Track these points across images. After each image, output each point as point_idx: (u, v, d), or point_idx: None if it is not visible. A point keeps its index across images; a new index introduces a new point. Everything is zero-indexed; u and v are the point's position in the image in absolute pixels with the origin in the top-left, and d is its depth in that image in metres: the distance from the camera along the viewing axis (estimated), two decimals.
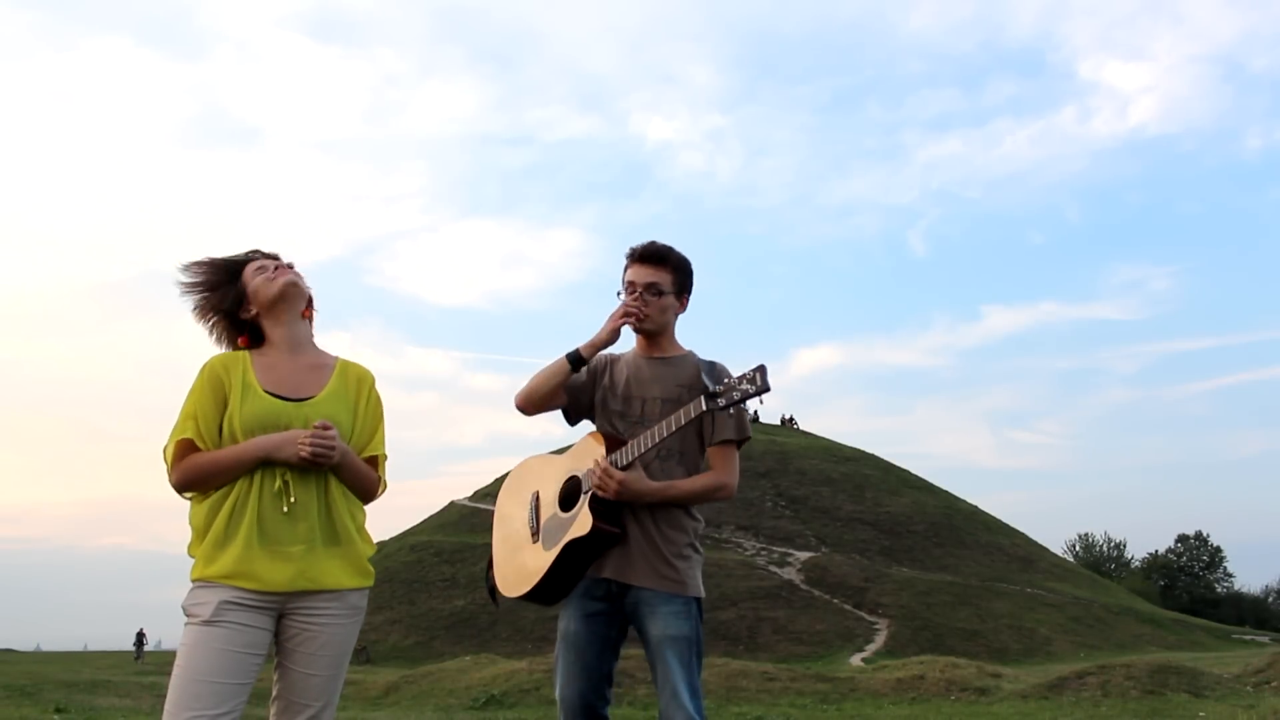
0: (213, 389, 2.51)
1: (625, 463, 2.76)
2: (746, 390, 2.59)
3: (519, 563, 2.93)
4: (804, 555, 37.75)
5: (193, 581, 2.45)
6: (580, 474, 2.88)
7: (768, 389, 2.57)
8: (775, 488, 44.18)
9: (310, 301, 2.69)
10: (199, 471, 2.44)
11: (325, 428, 2.46)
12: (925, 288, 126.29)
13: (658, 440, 2.76)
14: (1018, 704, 11.16)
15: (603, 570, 2.81)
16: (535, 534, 2.92)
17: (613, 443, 2.85)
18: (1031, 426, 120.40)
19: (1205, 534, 69.18)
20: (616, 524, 2.79)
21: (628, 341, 3.04)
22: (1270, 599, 67.48)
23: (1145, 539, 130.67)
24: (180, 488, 2.47)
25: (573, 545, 2.77)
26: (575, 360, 2.91)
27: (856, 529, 41.21)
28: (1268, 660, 12.59)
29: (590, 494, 2.79)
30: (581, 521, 2.77)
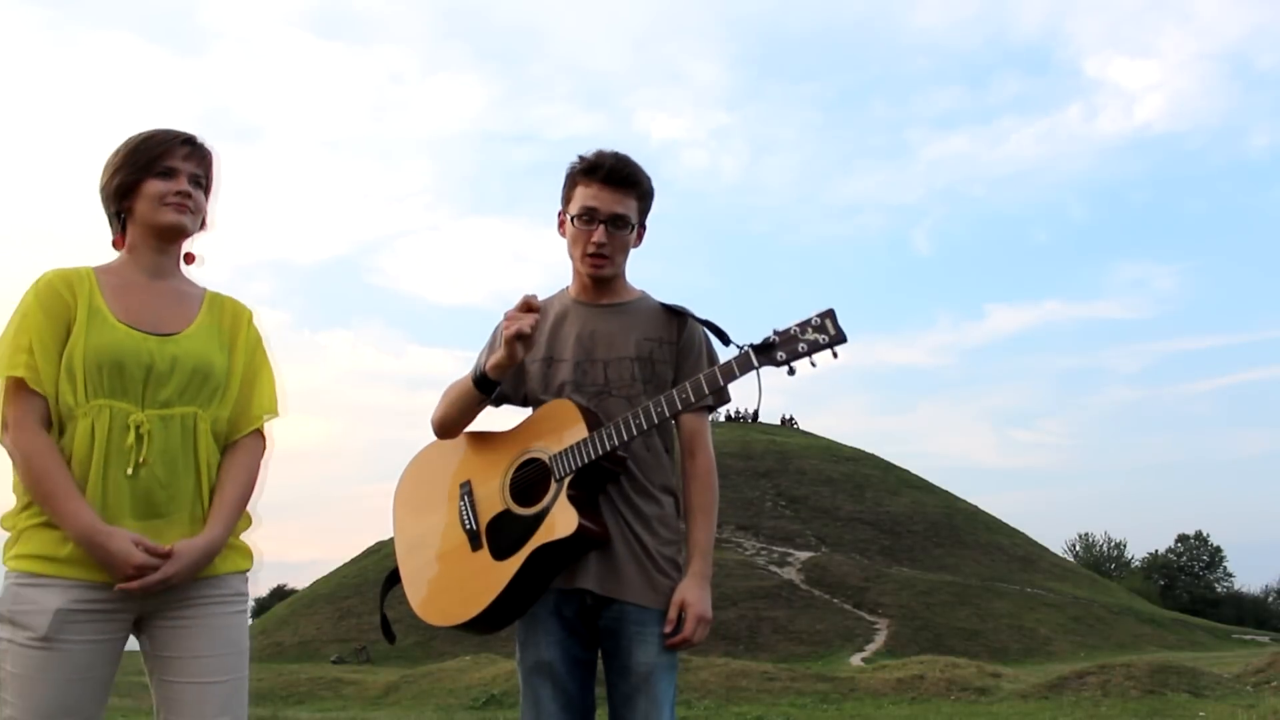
0: (53, 312, 1.95)
1: (613, 444, 2.15)
2: (816, 340, 2.02)
3: (453, 578, 2.24)
4: (804, 555, 37.70)
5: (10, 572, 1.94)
6: (547, 454, 2.21)
7: (844, 339, 2.02)
8: (775, 488, 44.15)
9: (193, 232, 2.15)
10: (32, 481, 1.90)
11: (158, 561, 1.88)
12: (929, 286, 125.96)
13: (662, 414, 2.14)
14: (1018, 704, 11.16)
15: (579, 580, 2.20)
16: (475, 538, 2.23)
17: (591, 419, 2.20)
18: (1034, 426, 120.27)
19: (1205, 534, 69.14)
20: (602, 523, 2.20)
21: (556, 282, 2.39)
22: (1270, 599, 67.39)
23: (1145, 539, 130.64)
24: (13, 457, 1.94)
25: (544, 551, 2.13)
26: (484, 384, 2.26)
27: (856, 529, 41.17)
28: (1268, 660, 12.58)
29: (569, 480, 2.15)
30: (560, 519, 2.13)
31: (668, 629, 2.19)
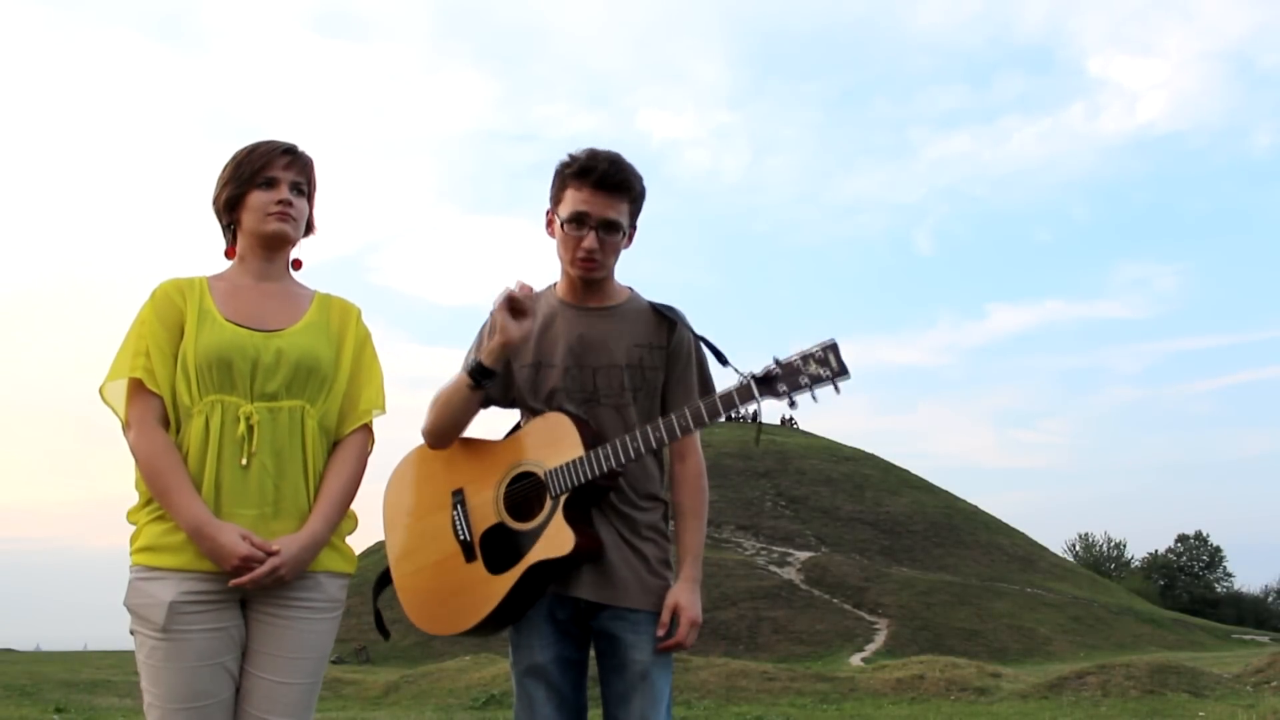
0: (166, 318, 2.07)
1: (610, 466, 2.14)
2: (819, 375, 1.98)
3: (448, 588, 2.24)
4: (804, 555, 37.70)
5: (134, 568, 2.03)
6: (543, 469, 2.19)
7: (846, 374, 1.98)
8: (775, 488, 44.14)
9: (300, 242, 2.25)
10: (149, 476, 2.01)
11: (266, 553, 1.97)
12: (930, 286, 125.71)
13: (661, 439, 2.13)
14: (1018, 704, 11.16)
15: (573, 588, 2.20)
16: (470, 549, 2.22)
17: (587, 436, 2.18)
18: (1035, 426, 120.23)
19: (1205, 534, 69.14)
20: (597, 537, 2.20)
21: (541, 281, 2.34)
22: (1270, 599, 67.40)
23: (1145, 539, 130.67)
24: (134, 454, 2.05)
25: (540, 567, 2.14)
26: (478, 373, 2.19)
27: (856, 529, 41.18)
28: (1268, 660, 12.56)
29: (565, 497, 2.15)
30: (557, 537, 2.13)
31: (660, 632, 2.20)
